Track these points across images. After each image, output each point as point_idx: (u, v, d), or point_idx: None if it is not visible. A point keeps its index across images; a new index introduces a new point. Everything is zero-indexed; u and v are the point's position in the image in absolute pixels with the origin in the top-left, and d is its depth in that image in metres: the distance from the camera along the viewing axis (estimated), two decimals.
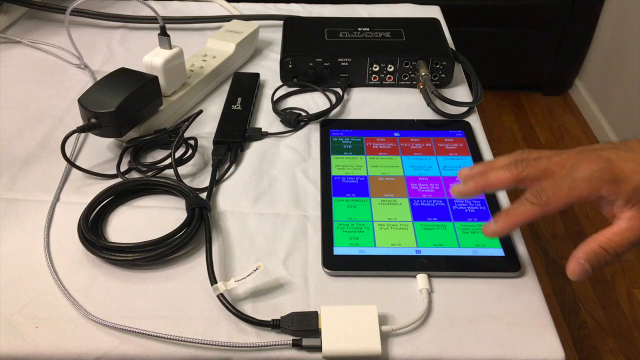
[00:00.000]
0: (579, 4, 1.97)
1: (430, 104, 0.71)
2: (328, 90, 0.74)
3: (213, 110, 0.71)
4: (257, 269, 0.48)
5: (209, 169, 0.61)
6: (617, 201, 0.45)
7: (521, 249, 0.53)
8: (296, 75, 0.75)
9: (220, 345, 0.45)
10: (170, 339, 0.45)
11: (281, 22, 0.83)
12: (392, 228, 0.54)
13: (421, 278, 0.50)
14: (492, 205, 0.57)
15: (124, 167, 0.61)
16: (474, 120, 0.69)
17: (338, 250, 0.52)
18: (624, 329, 1.43)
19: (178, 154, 0.62)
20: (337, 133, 0.66)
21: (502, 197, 0.58)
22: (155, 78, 0.63)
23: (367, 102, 0.73)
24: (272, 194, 0.60)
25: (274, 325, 0.46)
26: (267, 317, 0.46)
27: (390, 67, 0.74)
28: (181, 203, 0.56)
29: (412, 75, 0.75)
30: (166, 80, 0.66)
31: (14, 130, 0.67)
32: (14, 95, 0.73)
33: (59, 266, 0.51)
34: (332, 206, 0.57)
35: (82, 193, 0.58)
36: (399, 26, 0.79)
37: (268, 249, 0.54)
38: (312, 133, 0.68)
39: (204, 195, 0.58)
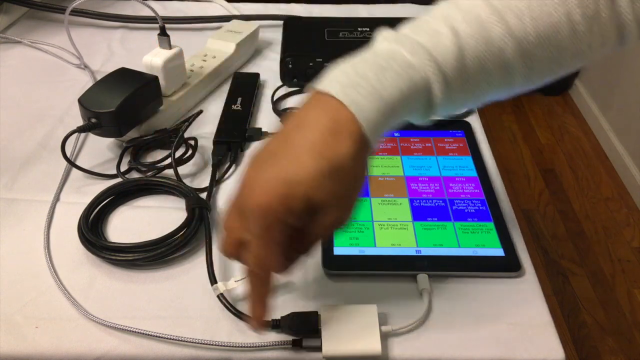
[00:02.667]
0: None
1: None
2: None
3: (213, 110, 0.71)
4: None
5: (209, 169, 0.61)
6: (299, 220, 0.38)
7: (521, 249, 0.53)
8: (296, 75, 0.75)
9: (220, 345, 0.45)
10: (170, 339, 0.45)
11: (281, 22, 0.83)
12: (392, 228, 0.54)
13: (421, 278, 0.50)
14: (492, 205, 0.57)
15: (124, 167, 0.61)
16: (474, 120, 0.69)
17: (338, 250, 0.52)
18: (624, 329, 1.43)
19: (178, 154, 0.62)
20: None
21: (502, 198, 0.58)
22: (156, 78, 0.63)
23: None
24: None
25: (274, 325, 0.46)
26: (267, 317, 0.46)
27: None
28: (181, 203, 0.56)
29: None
30: (166, 80, 0.66)
31: (14, 130, 0.67)
32: (14, 95, 0.73)
33: (59, 266, 0.51)
34: None
35: (82, 193, 0.58)
36: (399, 26, 0.79)
37: None
38: None
39: (204, 195, 0.58)
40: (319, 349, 0.44)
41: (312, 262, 0.52)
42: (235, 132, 0.65)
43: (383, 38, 0.42)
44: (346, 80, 0.39)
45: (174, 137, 0.62)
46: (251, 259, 0.39)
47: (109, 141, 0.65)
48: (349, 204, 0.39)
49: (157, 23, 0.65)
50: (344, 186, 0.38)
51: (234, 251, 0.40)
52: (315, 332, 0.45)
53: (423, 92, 0.40)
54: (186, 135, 0.63)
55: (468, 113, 0.70)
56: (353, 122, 0.37)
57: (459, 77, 0.40)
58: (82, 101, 0.59)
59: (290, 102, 0.74)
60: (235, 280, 0.48)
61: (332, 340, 0.44)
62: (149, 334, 0.45)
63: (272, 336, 0.46)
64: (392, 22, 0.80)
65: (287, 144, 0.38)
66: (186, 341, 0.45)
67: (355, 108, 0.37)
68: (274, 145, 0.39)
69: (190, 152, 0.62)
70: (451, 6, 0.41)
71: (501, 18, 0.40)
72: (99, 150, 0.64)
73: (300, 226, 0.38)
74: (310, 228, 0.39)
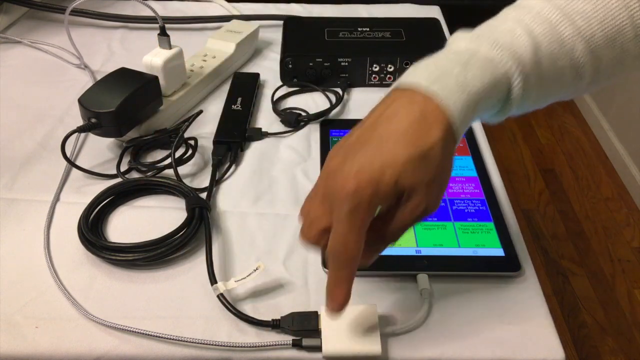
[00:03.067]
0: None
1: None
2: (328, 90, 0.74)
3: (213, 110, 0.71)
4: (257, 269, 0.48)
5: (209, 169, 0.61)
6: (385, 204, 0.39)
7: (521, 249, 0.53)
8: (296, 75, 0.75)
9: (220, 345, 0.45)
10: (170, 339, 0.45)
11: (281, 22, 0.83)
12: None
13: (421, 278, 0.50)
14: (492, 205, 0.57)
15: (124, 167, 0.61)
16: None
17: None
18: (624, 329, 1.43)
19: (178, 154, 0.62)
20: (337, 133, 0.66)
21: (502, 198, 0.58)
22: (156, 78, 0.63)
23: (367, 102, 0.72)
24: (272, 194, 0.60)
25: (274, 325, 0.46)
26: (267, 317, 0.46)
27: (390, 67, 0.74)
28: (181, 203, 0.56)
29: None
30: (166, 80, 0.66)
31: (14, 130, 0.67)
32: (14, 95, 0.73)
33: (59, 266, 0.51)
34: None
35: (82, 193, 0.58)
36: (399, 26, 0.79)
37: (268, 249, 0.54)
38: (312, 133, 0.68)
39: (204, 195, 0.58)
40: (319, 349, 0.44)
41: (312, 262, 0.52)
42: (235, 132, 0.65)
43: (459, 39, 0.44)
44: (430, 76, 0.40)
45: (174, 137, 0.62)
46: (335, 243, 0.39)
47: (109, 141, 0.65)
48: (436, 192, 0.40)
49: (157, 23, 0.65)
50: (433, 174, 0.38)
51: (317, 238, 0.40)
52: (315, 332, 0.45)
53: (503, 88, 0.41)
54: (186, 135, 0.63)
55: None
56: (441, 112, 0.38)
57: (535, 75, 0.42)
58: (82, 101, 0.59)
59: (290, 102, 0.74)
60: (235, 280, 0.48)
61: (332, 340, 0.44)
62: (149, 334, 0.45)
63: (272, 336, 0.46)
64: (392, 22, 0.80)
65: (375, 133, 0.39)
66: (186, 341, 0.45)
67: (442, 100, 0.39)
68: (361, 136, 0.40)
69: (190, 152, 0.62)
70: (519, 10, 0.43)
71: (570, 20, 0.42)
72: (99, 150, 0.64)
73: (386, 213, 0.40)
74: (397, 215, 0.40)
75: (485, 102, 0.41)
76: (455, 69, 0.40)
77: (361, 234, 0.38)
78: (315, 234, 0.40)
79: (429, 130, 0.38)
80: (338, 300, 0.40)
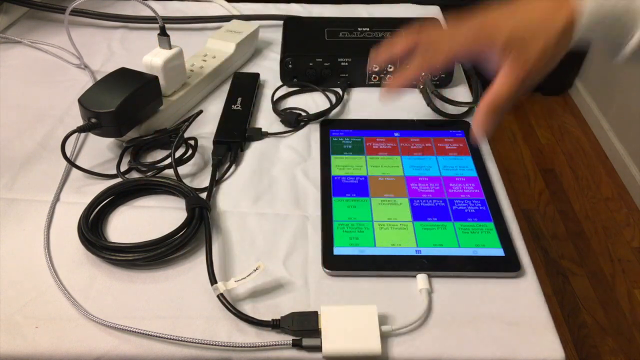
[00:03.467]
0: None
1: (430, 104, 0.71)
2: (328, 90, 0.74)
3: (213, 110, 0.71)
4: (257, 269, 0.48)
5: (209, 169, 0.61)
6: (495, 52, 0.52)
7: (521, 249, 0.53)
8: (296, 75, 0.75)
9: (220, 345, 0.45)
10: (170, 339, 0.45)
11: (281, 22, 0.83)
12: (392, 228, 0.54)
13: (421, 278, 0.50)
14: (492, 205, 0.57)
15: (124, 167, 0.61)
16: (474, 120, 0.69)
17: (338, 250, 0.52)
18: (624, 329, 1.43)
19: (178, 154, 0.62)
20: (337, 133, 0.66)
21: (502, 198, 0.58)
22: (156, 78, 0.63)
23: (367, 102, 0.73)
24: (272, 194, 0.60)
25: (274, 325, 0.46)
26: (267, 317, 0.46)
27: (390, 67, 0.74)
28: (181, 203, 0.56)
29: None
30: (166, 80, 0.66)
31: (14, 130, 0.67)
32: (14, 95, 0.73)
33: (59, 266, 0.51)
34: (332, 206, 0.57)
35: (82, 193, 0.58)
36: (399, 26, 0.79)
37: (268, 249, 0.54)
38: (312, 133, 0.68)
39: (204, 195, 0.58)
40: (319, 349, 0.44)
41: (312, 262, 0.52)
42: (235, 132, 0.65)
43: None
44: None
45: (174, 137, 0.62)
46: (434, 46, 0.55)
47: (109, 141, 0.65)
48: (539, 62, 0.52)
49: (157, 23, 0.65)
50: (545, 46, 0.51)
51: (425, 37, 0.56)
52: (315, 332, 0.45)
53: (632, 20, 0.50)
54: (186, 135, 0.63)
55: (468, 113, 0.70)
56: (572, 2, 0.50)
57: None
58: (82, 101, 0.59)
59: (290, 102, 0.74)
60: (236, 280, 0.48)
61: (332, 340, 0.44)
62: (149, 334, 0.45)
63: (272, 336, 0.46)
64: (392, 22, 0.80)
65: (520, 4, 0.53)
66: (186, 341, 0.45)
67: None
68: (507, 6, 0.54)
69: (190, 152, 0.62)
70: None
71: None
72: (99, 150, 0.64)
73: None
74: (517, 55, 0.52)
75: (614, 23, 0.50)
76: None
77: (456, 54, 0.55)
78: (431, 36, 0.56)
79: (559, 12, 0.51)
80: (394, 84, 0.57)
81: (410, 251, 0.52)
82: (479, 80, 0.75)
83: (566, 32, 0.51)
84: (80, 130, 0.59)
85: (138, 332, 0.45)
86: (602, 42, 0.54)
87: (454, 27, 0.55)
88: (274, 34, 0.86)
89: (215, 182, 0.60)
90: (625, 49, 0.52)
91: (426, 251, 0.52)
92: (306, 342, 0.45)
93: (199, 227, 0.54)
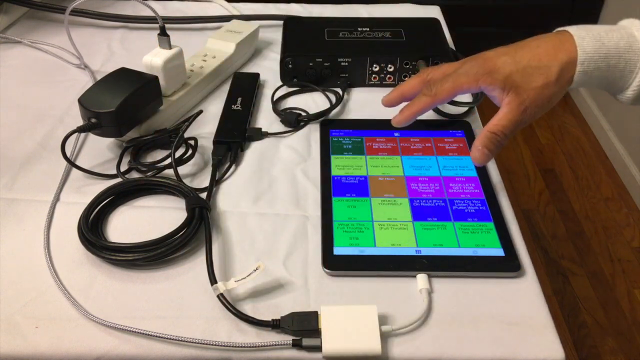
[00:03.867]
0: (579, 4, 1.97)
1: None
2: (328, 90, 0.74)
3: (213, 110, 0.71)
4: (257, 269, 0.48)
5: (209, 169, 0.61)
6: (495, 90, 0.55)
7: (521, 249, 0.53)
8: (296, 75, 0.75)
9: (220, 345, 0.45)
10: (170, 339, 0.45)
11: (281, 22, 0.83)
12: (392, 228, 0.54)
13: (421, 278, 0.50)
14: (492, 205, 0.57)
15: (124, 167, 0.61)
16: (474, 120, 0.69)
17: (338, 250, 0.52)
18: (624, 329, 1.43)
19: (178, 154, 0.62)
20: (337, 133, 0.66)
21: (502, 198, 0.58)
22: (156, 78, 0.63)
23: (367, 102, 0.73)
24: (272, 194, 0.60)
25: (274, 325, 0.46)
26: (267, 317, 0.46)
27: (390, 67, 0.74)
28: (181, 203, 0.56)
29: (412, 75, 0.74)
30: (166, 80, 0.66)
31: (14, 130, 0.67)
32: (14, 95, 0.73)
33: (59, 266, 0.51)
34: (332, 206, 0.57)
35: (82, 193, 0.58)
36: (399, 26, 0.79)
37: (268, 249, 0.54)
38: (312, 133, 0.68)
39: (204, 195, 0.58)
40: (319, 349, 0.44)
41: (312, 262, 0.52)
42: (235, 132, 0.65)
43: (625, 21, 0.56)
44: (578, 27, 0.55)
45: (174, 137, 0.62)
46: (438, 83, 0.58)
47: (109, 141, 0.65)
48: (537, 100, 0.55)
49: (157, 23, 0.65)
50: (543, 85, 0.54)
51: (434, 76, 0.60)
52: (315, 332, 0.45)
53: (634, 60, 0.53)
54: (186, 135, 0.63)
55: (468, 113, 0.70)
56: (572, 44, 0.54)
57: None
58: (82, 101, 0.59)
59: (290, 102, 0.74)
60: (236, 280, 0.48)
61: (332, 340, 0.44)
62: (149, 334, 0.45)
63: (272, 336, 0.46)
64: (392, 22, 0.80)
65: (522, 45, 0.57)
66: (186, 341, 0.45)
67: (577, 38, 0.54)
68: (509, 47, 0.57)
69: (190, 152, 0.62)
70: None
71: None
72: (99, 150, 0.64)
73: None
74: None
75: (615, 65, 0.53)
76: (601, 29, 0.54)
77: (458, 92, 0.58)
78: (436, 73, 0.60)
79: (558, 54, 0.54)
80: (402, 118, 0.61)
81: (410, 251, 0.52)
82: None
83: (566, 71, 0.54)
84: (80, 130, 0.59)
85: (138, 332, 0.45)
86: (604, 83, 0.56)
87: (458, 65, 0.59)
88: (274, 34, 0.86)
89: (215, 182, 0.60)
90: (627, 91, 0.55)
91: (426, 251, 0.52)
92: (306, 342, 0.45)
93: (199, 227, 0.54)
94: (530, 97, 0.54)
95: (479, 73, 0.56)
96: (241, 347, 0.45)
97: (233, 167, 0.63)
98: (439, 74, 0.60)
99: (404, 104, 0.62)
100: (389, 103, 0.64)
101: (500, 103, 0.56)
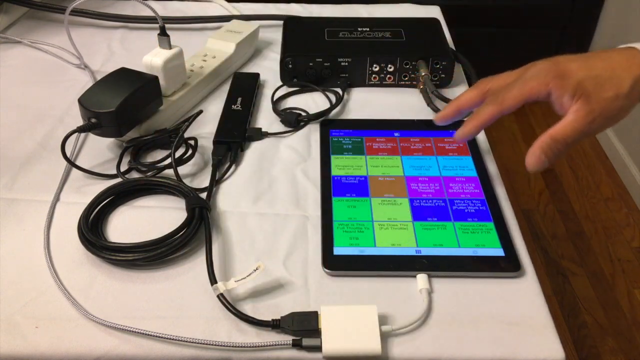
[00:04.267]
0: (579, 4, 1.97)
1: (430, 104, 0.71)
2: (328, 90, 0.74)
3: (213, 110, 0.71)
4: (257, 269, 0.48)
5: (209, 169, 0.61)
6: (565, 96, 0.52)
7: (521, 249, 0.53)
8: (296, 75, 0.75)
9: (220, 345, 0.45)
10: (170, 339, 0.45)
11: (281, 22, 0.83)
12: (392, 228, 0.54)
13: (421, 278, 0.50)
14: (492, 205, 0.57)
15: (124, 167, 0.61)
16: None
17: (338, 250, 0.52)
18: (624, 329, 1.43)
19: (178, 154, 0.62)
20: (337, 133, 0.66)
21: (502, 198, 0.58)
22: (156, 78, 0.63)
23: (367, 102, 0.73)
24: (272, 194, 0.60)
25: (274, 325, 0.46)
26: (267, 317, 0.46)
27: (390, 67, 0.74)
28: (181, 203, 0.56)
29: (412, 75, 0.75)
30: (166, 80, 0.66)
31: (14, 130, 0.67)
32: (14, 95, 0.73)
33: (59, 266, 0.51)
34: (332, 206, 0.57)
35: (82, 193, 0.58)
36: (399, 26, 0.79)
37: (268, 249, 0.54)
38: (312, 133, 0.68)
39: (204, 195, 0.58)
40: (319, 348, 0.44)
41: (312, 262, 0.52)
42: (235, 132, 0.65)
43: None
44: None
45: (174, 137, 0.62)
46: (504, 91, 0.55)
47: (109, 141, 0.65)
48: (607, 111, 0.53)
49: (157, 23, 0.65)
50: (614, 96, 0.52)
51: (494, 85, 0.58)
52: (315, 332, 0.45)
53: None
54: (186, 135, 0.63)
55: (468, 113, 0.70)
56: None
57: None
58: (82, 101, 0.59)
59: (290, 102, 0.74)
60: (236, 280, 0.48)
61: (332, 340, 0.44)
62: (149, 334, 0.45)
63: (272, 336, 0.46)
64: (392, 22, 0.80)
65: (592, 55, 0.55)
66: (186, 341, 0.45)
67: None
68: (578, 55, 0.55)
69: (190, 152, 0.62)
70: None
71: None
72: (99, 150, 0.64)
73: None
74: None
75: None
76: None
77: (527, 97, 0.56)
78: (498, 82, 0.58)
79: (629, 66, 0.52)
80: (468, 129, 0.58)
81: (410, 251, 0.52)
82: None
83: (638, 85, 0.52)
84: (80, 130, 0.59)
85: (138, 332, 0.45)
86: None
87: (521, 71, 0.56)
88: (274, 34, 0.86)
89: (215, 182, 0.60)
90: None
91: (426, 251, 0.52)
92: (306, 342, 0.45)
93: (199, 227, 0.54)
94: (600, 107, 0.52)
95: (549, 77, 0.53)
96: (241, 347, 0.45)
97: (233, 167, 0.63)
98: (499, 82, 0.58)
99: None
100: (444, 119, 0.61)
101: (565, 110, 0.53)
